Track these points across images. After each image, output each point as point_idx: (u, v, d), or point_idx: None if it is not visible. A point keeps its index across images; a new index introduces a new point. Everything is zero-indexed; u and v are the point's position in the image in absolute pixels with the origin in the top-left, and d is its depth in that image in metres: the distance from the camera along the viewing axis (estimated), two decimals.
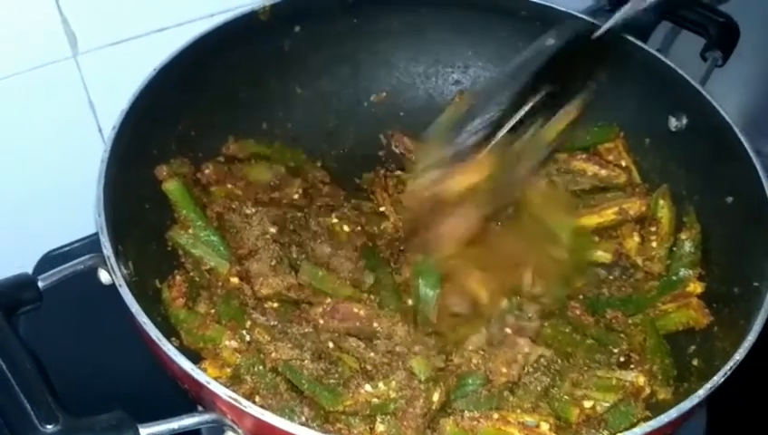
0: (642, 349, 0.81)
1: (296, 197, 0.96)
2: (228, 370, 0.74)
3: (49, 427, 0.55)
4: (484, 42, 1.08)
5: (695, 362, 0.81)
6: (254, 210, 0.90)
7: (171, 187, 0.86)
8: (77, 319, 0.90)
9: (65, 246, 1.04)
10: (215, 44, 0.93)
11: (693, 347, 0.82)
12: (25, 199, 1.02)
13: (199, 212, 0.87)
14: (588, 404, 0.74)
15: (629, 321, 0.84)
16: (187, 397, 0.69)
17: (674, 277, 0.86)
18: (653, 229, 0.92)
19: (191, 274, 0.84)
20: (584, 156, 0.98)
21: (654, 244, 0.91)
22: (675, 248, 0.90)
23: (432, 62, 1.09)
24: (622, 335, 0.82)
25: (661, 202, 0.93)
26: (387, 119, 1.08)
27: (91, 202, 0.75)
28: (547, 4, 1.02)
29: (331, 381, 0.73)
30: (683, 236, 0.90)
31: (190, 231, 0.85)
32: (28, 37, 0.92)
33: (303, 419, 0.71)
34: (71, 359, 0.83)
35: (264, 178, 0.95)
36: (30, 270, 0.89)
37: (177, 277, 0.82)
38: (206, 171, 0.92)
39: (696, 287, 0.85)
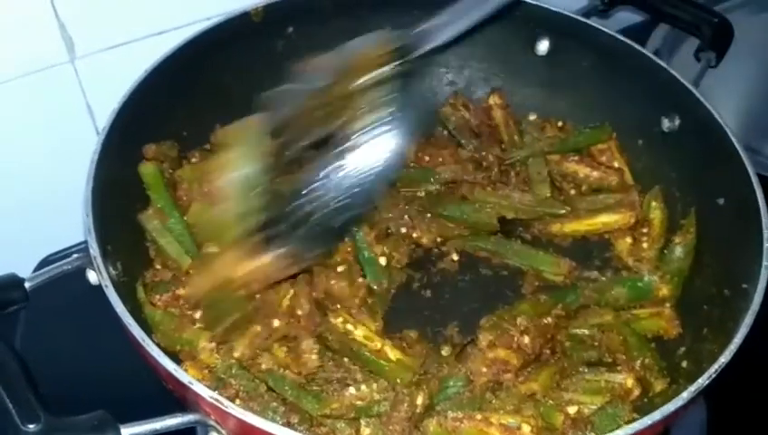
0: (626, 348, 0.81)
1: None
2: (207, 372, 0.74)
3: (31, 426, 0.56)
4: (478, 42, 1.07)
5: (684, 365, 0.80)
6: None
7: (147, 170, 0.86)
8: (66, 320, 0.90)
9: (64, 250, 1.04)
10: (207, 46, 0.93)
11: (683, 349, 0.82)
12: (24, 204, 1.02)
13: (169, 199, 0.86)
14: (572, 410, 0.73)
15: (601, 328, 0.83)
16: (173, 398, 0.69)
17: (639, 283, 0.86)
18: (645, 231, 0.92)
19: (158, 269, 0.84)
20: (576, 158, 0.98)
21: (645, 245, 0.90)
22: (666, 251, 0.90)
23: (426, 63, 1.09)
24: (596, 344, 0.82)
25: (653, 204, 0.93)
26: None
27: None
28: (541, 4, 1.02)
29: (314, 387, 0.73)
30: (676, 239, 0.90)
31: (160, 219, 0.85)
32: (25, 42, 0.92)
33: (286, 420, 0.72)
34: (59, 359, 0.83)
35: None
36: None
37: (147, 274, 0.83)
38: (193, 160, 0.93)
39: (664, 291, 0.85)
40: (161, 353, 0.64)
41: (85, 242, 1.00)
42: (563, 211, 0.93)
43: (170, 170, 0.90)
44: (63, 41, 0.94)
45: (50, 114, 0.99)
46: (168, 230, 0.85)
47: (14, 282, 0.68)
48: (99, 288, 0.71)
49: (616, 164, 0.97)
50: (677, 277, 0.87)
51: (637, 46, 0.97)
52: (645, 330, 0.84)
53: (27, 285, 0.69)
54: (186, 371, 0.67)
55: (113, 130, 0.82)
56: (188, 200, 0.88)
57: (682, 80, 0.92)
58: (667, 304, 0.86)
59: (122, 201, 0.83)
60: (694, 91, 0.91)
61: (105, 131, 0.81)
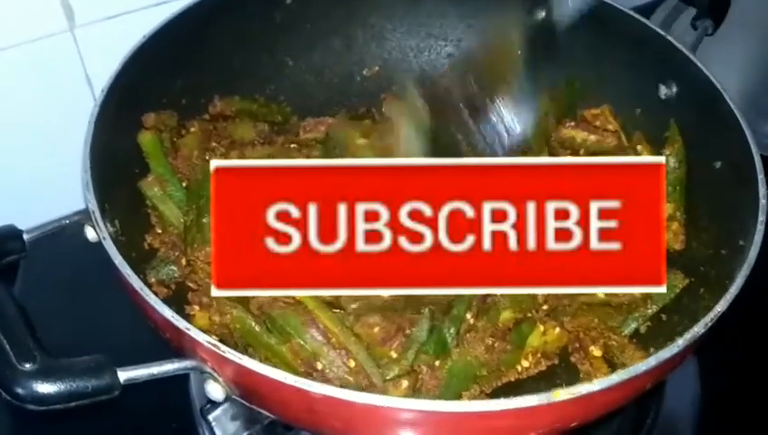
0: None
1: None
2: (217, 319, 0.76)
3: (27, 366, 0.56)
4: (476, 15, 1.08)
5: (681, 326, 0.80)
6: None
7: (145, 139, 0.87)
8: (64, 276, 0.91)
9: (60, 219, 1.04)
10: (206, 14, 0.94)
11: (681, 304, 0.82)
12: (20, 171, 1.03)
13: (168, 167, 0.88)
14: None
15: None
16: (171, 350, 0.69)
17: None
18: None
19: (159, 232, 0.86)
20: (572, 123, 0.98)
21: None
22: None
23: (425, 35, 1.10)
24: None
25: (639, 147, 0.94)
26: (379, 93, 1.08)
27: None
28: None
29: None
30: (666, 151, 0.91)
31: (160, 186, 0.86)
32: (24, 9, 0.93)
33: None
34: (56, 312, 0.83)
35: (248, 137, 0.96)
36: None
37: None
38: (192, 129, 0.93)
39: (669, 209, 0.86)
40: (158, 301, 0.64)
41: (83, 211, 1.02)
42: None
43: (174, 139, 0.91)
44: (63, 9, 0.94)
45: (48, 83, 0.99)
46: (169, 197, 0.86)
47: (13, 233, 0.69)
48: (97, 246, 0.71)
49: (611, 127, 0.97)
50: (679, 186, 0.89)
51: (632, 13, 0.97)
52: None
53: (26, 236, 0.69)
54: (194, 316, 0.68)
55: (112, 92, 0.82)
56: (186, 169, 0.89)
57: (679, 45, 0.92)
58: (675, 222, 0.87)
59: (120, 163, 0.83)
60: (691, 56, 0.91)
61: (104, 92, 0.81)
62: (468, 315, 0.77)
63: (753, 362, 0.95)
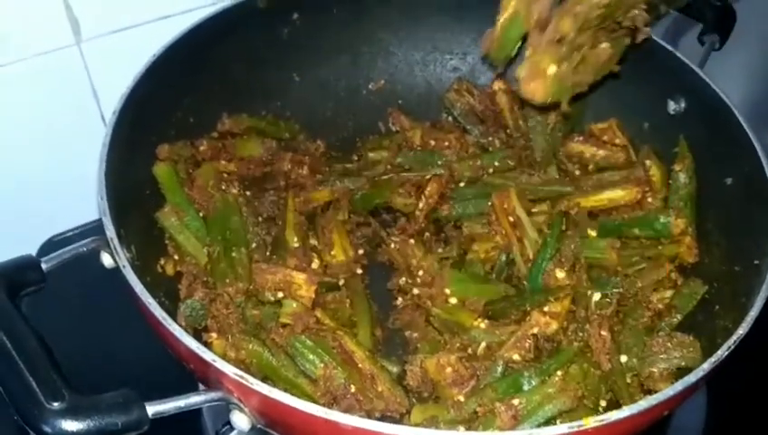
0: None
1: (287, 169, 0.98)
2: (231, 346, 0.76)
3: (55, 404, 0.55)
4: (481, 28, 1.06)
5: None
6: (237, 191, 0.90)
7: (161, 170, 0.87)
8: (79, 302, 0.90)
9: (68, 231, 1.04)
10: (213, 32, 0.93)
11: (696, 320, 0.82)
12: (29, 186, 1.02)
13: (184, 196, 0.87)
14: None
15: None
16: (193, 378, 0.69)
17: (656, 223, 0.87)
18: (647, 189, 0.92)
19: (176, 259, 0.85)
20: (581, 138, 0.98)
21: (649, 199, 0.92)
22: (671, 181, 0.92)
23: (430, 49, 1.10)
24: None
25: (648, 163, 0.94)
26: (385, 106, 1.08)
27: (94, 189, 0.75)
28: None
29: None
30: (676, 167, 0.92)
31: (177, 216, 0.85)
32: (31, 23, 0.92)
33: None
34: (74, 343, 0.82)
35: (256, 154, 0.96)
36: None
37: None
38: (201, 148, 0.93)
39: (681, 225, 0.87)
40: (183, 332, 0.63)
41: (89, 224, 1.01)
42: (569, 189, 0.93)
43: (189, 170, 0.90)
44: (69, 22, 0.94)
45: (55, 97, 0.98)
46: (186, 226, 0.86)
47: (31, 263, 0.67)
48: (111, 272, 0.71)
49: (618, 141, 0.97)
50: (690, 202, 0.90)
51: None
52: (666, 255, 0.87)
53: (44, 266, 0.68)
54: (211, 343, 0.67)
55: (123, 115, 0.81)
56: (202, 199, 0.88)
57: (687, 62, 0.93)
58: (687, 237, 0.88)
59: (132, 186, 0.83)
60: (699, 72, 0.92)
61: (116, 115, 0.80)
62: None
63: (759, 395, 0.94)
